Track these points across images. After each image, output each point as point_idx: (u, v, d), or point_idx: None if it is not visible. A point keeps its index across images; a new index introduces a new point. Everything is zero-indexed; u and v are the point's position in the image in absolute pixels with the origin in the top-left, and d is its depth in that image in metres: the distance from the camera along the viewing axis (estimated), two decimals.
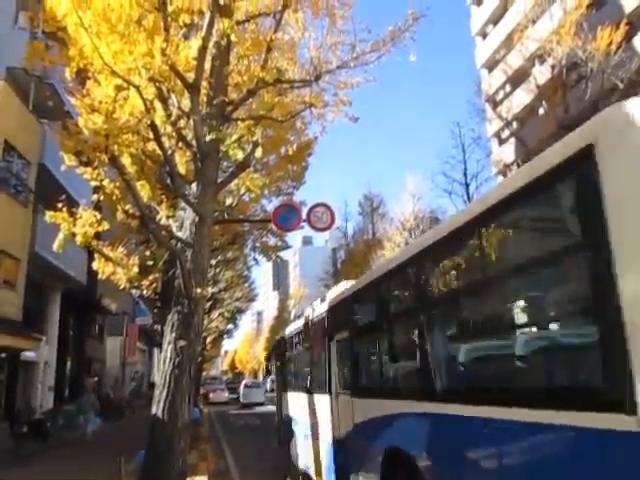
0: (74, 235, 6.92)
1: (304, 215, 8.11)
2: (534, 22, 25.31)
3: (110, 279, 7.64)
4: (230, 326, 47.38)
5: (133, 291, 11.72)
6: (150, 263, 9.23)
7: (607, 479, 2.52)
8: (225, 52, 7.44)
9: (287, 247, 13.27)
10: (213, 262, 20.61)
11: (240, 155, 7.60)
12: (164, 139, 7.06)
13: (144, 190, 7.77)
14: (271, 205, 11.06)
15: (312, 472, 8.03)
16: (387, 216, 40.45)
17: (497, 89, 34.93)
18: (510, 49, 30.31)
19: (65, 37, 6.62)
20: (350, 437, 6.27)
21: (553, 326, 3.46)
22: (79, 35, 6.30)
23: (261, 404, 34.25)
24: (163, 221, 7.46)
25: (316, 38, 7.21)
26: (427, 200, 38.43)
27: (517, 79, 30.64)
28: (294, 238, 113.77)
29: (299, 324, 9.58)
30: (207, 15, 6.85)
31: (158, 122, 6.82)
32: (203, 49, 6.76)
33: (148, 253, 9.57)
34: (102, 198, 7.53)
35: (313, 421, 7.99)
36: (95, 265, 7.54)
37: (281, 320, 71.44)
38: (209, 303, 25.67)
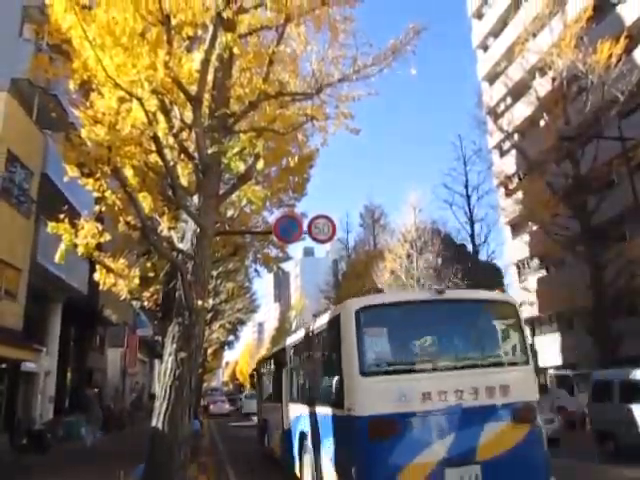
0: (75, 246, 6.93)
1: (305, 227, 8.12)
2: (534, 35, 25.53)
3: (111, 290, 7.65)
4: (231, 337, 47.35)
5: (134, 303, 11.72)
6: (151, 275, 9.24)
7: (340, 431, 6.79)
8: (227, 65, 7.49)
9: (288, 259, 13.29)
10: (214, 273, 20.61)
11: (242, 167, 7.63)
12: (166, 151, 7.09)
13: (146, 202, 7.80)
14: (272, 217, 11.10)
15: (275, 447, 12.37)
16: (388, 228, 40.57)
17: (498, 101, 35.12)
18: (511, 62, 30.51)
19: (69, 49, 6.69)
20: (289, 426, 10.24)
21: (328, 374, 7.51)
22: (83, 48, 6.36)
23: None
24: (164, 232, 7.49)
25: (318, 51, 7.26)
26: (428, 212, 38.47)
27: (518, 91, 30.80)
28: (295, 249, 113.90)
29: (267, 355, 15.43)
30: (210, 28, 6.92)
31: (160, 134, 6.86)
32: (206, 62, 6.82)
33: (149, 264, 9.59)
34: (104, 209, 7.56)
35: (276, 419, 11.86)
36: (96, 276, 7.54)
37: (282, 331, 71.28)
38: (210, 314, 25.64)
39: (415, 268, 30.57)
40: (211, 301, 22.00)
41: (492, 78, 38.07)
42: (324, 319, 8.01)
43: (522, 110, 28.93)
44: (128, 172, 7.35)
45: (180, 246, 7.22)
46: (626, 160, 20.01)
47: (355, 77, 7.25)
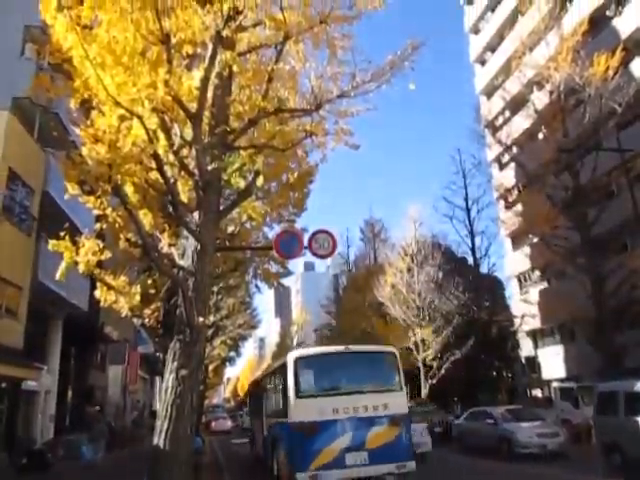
0: (76, 263, 6.94)
1: (306, 242, 8.12)
2: (531, 49, 25.70)
3: (112, 307, 7.64)
4: (232, 353, 47.08)
5: (135, 320, 11.68)
6: (152, 291, 9.23)
7: (288, 436, 10.37)
8: (227, 82, 7.56)
9: (289, 274, 13.28)
10: (215, 289, 20.55)
11: (242, 183, 7.67)
12: (166, 168, 7.13)
13: (146, 218, 7.82)
14: (272, 232, 11.11)
15: (259, 450, 15.66)
16: (389, 241, 40.52)
17: (496, 115, 35.26)
18: (508, 75, 30.70)
19: (70, 69, 6.75)
20: (266, 434, 13.80)
21: (281, 397, 11.37)
22: (84, 67, 6.41)
23: None
24: (165, 249, 7.49)
25: (317, 68, 7.32)
26: (428, 225, 38.48)
27: (516, 105, 30.95)
28: (296, 264, 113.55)
29: (254, 380, 21.22)
30: (209, 47, 6.99)
31: (161, 151, 6.90)
32: (205, 80, 6.88)
33: (150, 281, 9.58)
34: (105, 227, 7.58)
35: (259, 430, 15.37)
36: (97, 293, 7.54)
37: (283, 346, 70.89)
38: (211, 330, 25.53)
39: (416, 282, 30.50)
40: (212, 317, 21.93)
41: (490, 92, 38.31)
42: (279, 362, 12.80)
43: (520, 123, 29.03)
44: (129, 189, 7.37)
45: (181, 263, 7.22)
46: (625, 171, 20.07)
47: (354, 93, 7.32)
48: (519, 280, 36.14)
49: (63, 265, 6.98)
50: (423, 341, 29.30)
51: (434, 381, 29.05)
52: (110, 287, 7.40)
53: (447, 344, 28.70)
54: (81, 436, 19.35)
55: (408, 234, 32.74)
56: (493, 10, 38.82)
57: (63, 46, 6.51)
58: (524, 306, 32.57)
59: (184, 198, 7.88)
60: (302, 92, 7.67)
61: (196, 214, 7.31)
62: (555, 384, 26.87)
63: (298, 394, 10.06)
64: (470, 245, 32.84)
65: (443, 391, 29.95)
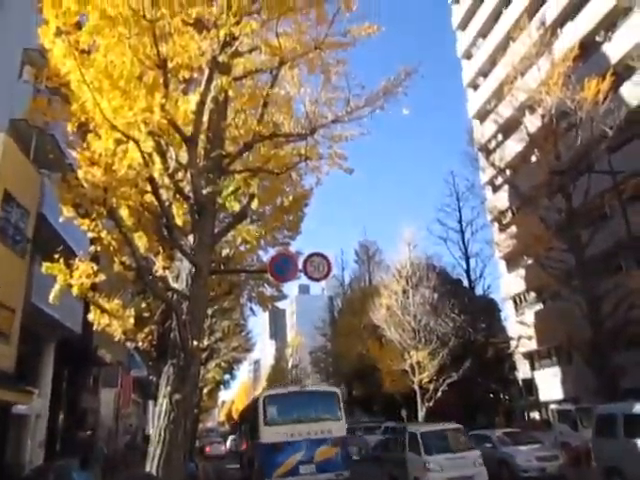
0: (70, 286, 6.90)
1: (300, 265, 8.11)
2: (523, 74, 26.10)
3: (105, 330, 7.58)
4: (227, 376, 46.62)
5: (128, 343, 11.58)
6: (146, 314, 9.16)
7: (260, 452, 14.28)
8: (223, 106, 7.63)
9: (284, 297, 13.27)
10: (209, 312, 20.42)
11: (237, 206, 7.69)
12: (162, 191, 7.15)
13: (141, 241, 7.81)
14: (267, 255, 11.11)
15: (244, 466, 18.64)
16: (383, 264, 40.55)
17: (489, 138, 35.67)
18: (501, 100, 31.10)
19: (68, 92, 6.80)
20: (248, 454, 17.23)
21: (255, 424, 15.17)
22: (81, 91, 6.47)
23: None
24: (159, 272, 7.47)
25: (311, 93, 7.42)
26: (423, 247, 38.49)
27: (508, 128, 31.34)
28: (291, 286, 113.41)
29: (241, 411, 29.00)
30: (206, 72, 7.07)
31: (156, 174, 6.92)
32: (201, 104, 6.94)
33: (144, 304, 9.53)
34: (99, 249, 7.55)
35: (244, 450, 19.35)
36: (91, 316, 7.49)
37: (279, 369, 70.32)
38: (205, 353, 25.30)
39: (411, 304, 30.44)
40: (206, 340, 21.75)
41: (483, 116, 38.80)
42: (254, 399, 17.33)
43: (513, 146, 29.34)
44: (124, 212, 7.38)
45: (175, 286, 7.19)
46: (617, 193, 20.25)
47: (348, 118, 7.39)
48: (515, 302, 36.12)
49: (57, 288, 6.94)
50: (419, 363, 29.13)
51: (431, 404, 28.81)
52: (104, 310, 7.36)
53: (443, 366, 28.52)
54: (72, 462, 18.99)
55: (403, 256, 32.79)
56: (485, 36, 39.55)
57: (61, 70, 6.58)
58: (520, 328, 32.50)
59: (179, 221, 7.89)
60: (297, 117, 7.76)
61: (191, 237, 7.31)
62: (553, 406, 26.62)
63: (266, 423, 14.11)
64: (465, 267, 32.93)
65: (440, 414, 29.66)
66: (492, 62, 37.31)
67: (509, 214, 32.72)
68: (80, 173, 6.61)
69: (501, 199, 33.30)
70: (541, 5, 32.10)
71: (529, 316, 33.21)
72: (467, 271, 32.76)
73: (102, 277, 7.08)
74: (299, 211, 9.81)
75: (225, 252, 9.71)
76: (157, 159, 6.98)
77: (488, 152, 32.30)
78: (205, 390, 40.57)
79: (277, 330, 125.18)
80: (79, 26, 6.60)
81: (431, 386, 28.53)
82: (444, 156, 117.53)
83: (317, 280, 8.42)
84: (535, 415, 32.10)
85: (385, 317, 30.93)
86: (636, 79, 23.16)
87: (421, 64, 7.44)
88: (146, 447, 8.10)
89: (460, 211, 33.15)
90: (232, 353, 35.79)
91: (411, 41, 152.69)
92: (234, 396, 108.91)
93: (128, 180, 6.70)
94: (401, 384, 30.27)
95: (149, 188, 6.85)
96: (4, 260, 16.59)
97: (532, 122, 25.62)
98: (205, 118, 7.30)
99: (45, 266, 6.93)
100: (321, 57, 7.26)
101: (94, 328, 7.72)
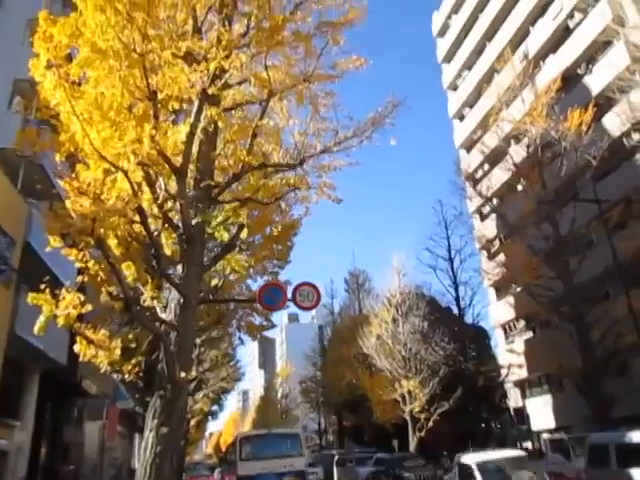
0: (56, 317, 6.79)
1: (290, 294, 8.08)
2: (507, 105, 26.67)
3: (91, 361, 7.44)
4: (215, 407, 45.84)
5: (114, 375, 11.37)
6: (133, 345, 9.03)
7: None
8: (212, 137, 7.69)
9: (273, 326, 13.13)
10: (198, 341, 20.21)
11: (226, 236, 7.67)
12: (150, 220, 7.12)
13: (129, 271, 7.74)
14: (256, 284, 11.07)
15: None
16: (373, 292, 40.48)
17: (476, 168, 36.17)
18: (486, 130, 31.67)
19: (57, 123, 6.82)
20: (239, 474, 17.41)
21: (233, 459, 18.41)
22: (71, 122, 6.48)
23: None
24: (147, 302, 7.39)
25: (300, 124, 7.53)
26: (412, 276, 38.57)
27: (495, 158, 31.81)
28: (280, 315, 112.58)
29: (226, 446, 33.58)
30: (195, 103, 7.15)
31: (145, 204, 6.91)
32: (191, 135, 6.99)
33: (131, 335, 9.39)
34: (86, 279, 7.47)
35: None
36: (76, 348, 7.36)
37: (268, 400, 69.25)
38: (193, 384, 24.92)
39: (401, 332, 30.33)
40: (194, 370, 21.47)
41: (469, 146, 39.43)
42: (233, 439, 21.88)
43: (500, 176, 29.75)
44: (112, 242, 7.33)
45: (163, 316, 7.12)
46: (603, 221, 20.53)
47: (336, 149, 7.48)
48: (504, 329, 36.10)
49: (42, 319, 6.82)
50: (410, 393, 28.87)
51: (422, 434, 28.46)
52: (90, 341, 7.23)
53: (434, 396, 28.29)
54: None
55: (392, 285, 32.81)
56: (470, 68, 40.46)
57: (51, 102, 6.61)
58: (510, 356, 32.43)
59: (167, 251, 7.85)
60: (286, 147, 7.84)
61: (179, 267, 7.27)
62: (545, 435, 26.42)
63: (242, 458, 17.12)
64: (454, 295, 32.95)
65: (432, 444, 29.31)
66: (477, 93, 38.09)
67: (497, 242, 32.97)
68: (68, 203, 6.58)
69: (489, 227, 33.59)
70: (524, 39, 32.99)
71: (519, 344, 33.18)
72: (457, 299, 32.80)
73: (89, 307, 6.98)
74: (288, 240, 9.82)
75: (214, 282, 9.65)
76: (146, 189, 6.98)
77: (475, 181, 32.71)
78: (192, 422, 39.81)
79: (266, 359, 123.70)
80: (70, 58, 6.67)
81: (422, 416, 28.23)
82: (434, 182, 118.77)
83: (306, 309, 8.38)
84: (527, 444, 31.79)
85: (375, 346, 30.76)
86: (617, 110, 23.72)
87: (408, 96, 7.62)
88: None
89: (449, 239, 33.36)
90: (221, 383, 35.30)
91: (399, 70, 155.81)
92: (222, 427, 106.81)
93: (117, 210, 6.68)
94: (392, 414, 29.93)
95: (138, 218, 6.83)
96: None
97: (518, 152, 26.09)
98: (195, 149, 7.34)
99: (31, 297, 6.82)
100: (310, 89, 7.39)
101: (80, 359, 7.57)
